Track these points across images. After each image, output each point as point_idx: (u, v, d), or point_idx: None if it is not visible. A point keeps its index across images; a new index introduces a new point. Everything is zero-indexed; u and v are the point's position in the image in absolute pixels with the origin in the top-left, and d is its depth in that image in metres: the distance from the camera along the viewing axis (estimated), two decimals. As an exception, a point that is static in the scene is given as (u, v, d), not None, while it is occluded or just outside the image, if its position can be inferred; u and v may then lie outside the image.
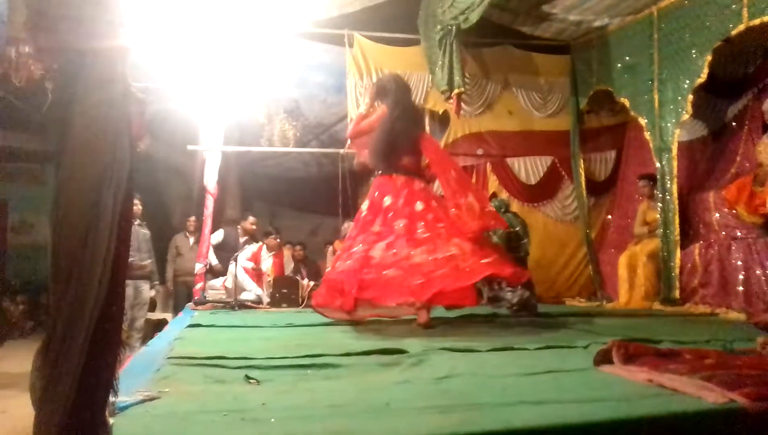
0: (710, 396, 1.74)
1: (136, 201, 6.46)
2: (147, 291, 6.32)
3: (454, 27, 6.10)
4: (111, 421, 1.35)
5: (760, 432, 1.62)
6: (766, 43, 5.43)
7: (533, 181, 7.21)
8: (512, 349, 2.88)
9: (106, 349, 1.32)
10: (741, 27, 4.82)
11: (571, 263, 7.11)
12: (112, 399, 1.42)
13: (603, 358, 2.36)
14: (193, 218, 7.05)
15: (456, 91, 6.27)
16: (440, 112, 7.15)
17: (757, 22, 4.68)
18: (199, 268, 6.09)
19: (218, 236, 6.80)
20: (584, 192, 6.99)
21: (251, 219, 6.86)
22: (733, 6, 4.89)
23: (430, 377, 2.25)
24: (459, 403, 1.85)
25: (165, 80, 6.09)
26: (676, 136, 5.57)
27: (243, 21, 6.01)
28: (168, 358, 2.67)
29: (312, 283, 6.30)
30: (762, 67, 5.67)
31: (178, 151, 7.08)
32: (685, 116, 5.45)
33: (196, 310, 5.45)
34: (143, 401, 1.83)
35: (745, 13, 4.77)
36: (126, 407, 1.73)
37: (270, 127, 7.39)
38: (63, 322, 1.23)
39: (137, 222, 6.34)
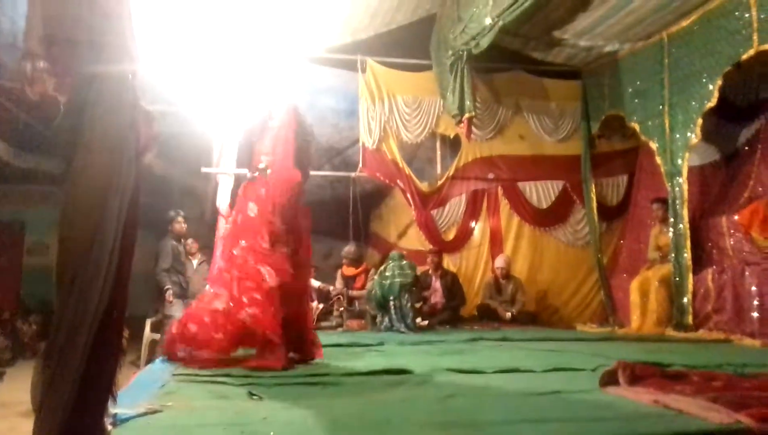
0: (716, 417, 1.71)
1: (180, 219, 6.53)
2: None
3: (465, 52, 6.18)
4: (110, 428, 1.36)
5: (766, 452, 1.59)
6: (777, 68, 5.43)
7: (545, 206, 7.20)
8: (518, 370, 2.86)
9: (107, 355, 1.34)
10: (751, 51, 4.82)
11: (582, 288, 7.05)
12: (112, 409, 1.43)
13: (609, 380, 2.33)
14: (191, 240, 7.04)
15: (467, 115, 6.33)
16: (451, 137, 7.21)
17: (767, 46, 4.69)
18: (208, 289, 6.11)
19: None
20: (596, 217, 6.95)
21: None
22: (744, 31, 4.90)
23: (434, 396, 2.24)
24: (461, 420, 1.84)
25: (180, 103, 6.22)
26: (686, 160, 5.54)
27: (257, 46, 6.15)
28: (173, 374, 2.68)
29: (321, 306, 6.30)
30: (774, 92, 5.67)
31: (192, 173, 7.17)
32: (695, 140, 5.43)
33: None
34: (145, 414, 1.84)
35: (755, 37, 4.78)
36: (127, 419, 1.74)
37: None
38: (66, 328, 1.25)
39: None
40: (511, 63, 7.08)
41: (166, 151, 7.24)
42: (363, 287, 6.51)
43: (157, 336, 6.10)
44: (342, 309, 6.33)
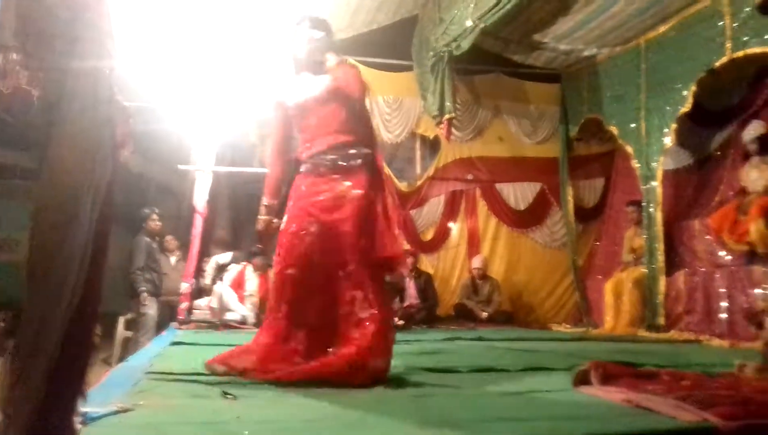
0: (684, 415, 1.75)
1: (155, 217, 6.46)
2: None
3: (446, 54, 6.21)
4: (79, 427, 1.34)
5: (732, 450, 1.63)
6: (749, 75, 5.55)
7: (522, 207, 7.27)
8: (493, 370, 2.88)
9: (78, 353, 1.31)
10: (724, 59, 4.93)
11: (558, 289, 7.14)
12: (81, 408, 1.41)
13: (581, 379, 2.36)
14: (170, 237, 6.99)
15: (447, 116, 6.36)
16: (431, 137, 7.24)
17: (740, 54, 4.79)
18: (185, 287, 6.06)
19: (226, 258, 6.78)
20: (572, 218, 7.04)
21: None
22: (717, 39, 5.00)
23: (409, 395, 2.25)
24: (436, 419, 1.84)
25: (157, 100, 6.14)
26: (661, 164, 5.65)
27: (237, 44, 6.10)
28: (147, 373, 2.64)
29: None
30: (746, 99, 5.78)
31: (169, 170, 7.09)
32: (669, 145, 5.54)
33: (180, 329, 5.41)
34: (116, 412, 1.81)
35: (728, 45, 4.89)
36: (98, 418, 1.72)
37: (262, 148, 7.42)
38: (35, 325, 1.23)
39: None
40: (491, 65, 7.13)
41: (143, 148, 7.16)
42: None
43: (130, 334, 6.03)
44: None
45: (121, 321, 6.04)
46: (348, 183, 2.66)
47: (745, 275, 4.78)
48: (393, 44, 6.78)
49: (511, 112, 7.31)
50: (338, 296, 2.58)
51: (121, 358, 5.19)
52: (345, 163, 2.69)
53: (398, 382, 2.54)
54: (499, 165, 7.30)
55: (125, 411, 1.85)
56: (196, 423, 1.74)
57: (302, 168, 2.78)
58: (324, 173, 2.69)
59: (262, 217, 2.91)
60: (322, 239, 2.62)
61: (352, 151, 2.72)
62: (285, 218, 2.76)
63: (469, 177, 7.26)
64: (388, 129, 6.95)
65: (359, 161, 2.71)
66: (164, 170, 7.40)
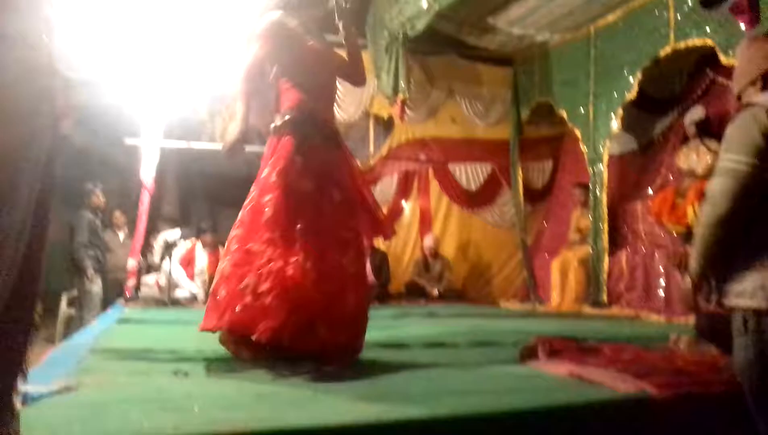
0: (623, 386, 1.84)
1: (98, 192, 6.22)
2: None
3: (401, 34, 6.17)
4: (19, 407, 1.29)
5: (665, 416, 1.73)
6: (691, 65, 5.76)
7: (473, 188, 7.38)
8: (444, 345, 2.94)
9: (17, 330, 1.27)
10: (668, 49, 5.09)
11: (507, 267, 7.31)
12: (22, 387, 1.36)
13: (528, 354, 2.44)
14: (118, 213, 6.79)
15: (400, 96, 6.34)
16: (385, 117, 7.22)
17: (682, 45, 4.97)
18: (131, 264, 5.90)
19: (174, 234, 6.61)
20: (521, 199, 7.19)
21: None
22: (662, 29, 5.16)
23: (361, 370, 2.27)
24: (386, 393, 1.87)
25: (103, 71, 5.88)
26: (607, 148, 5.83)
27: (186, 14, 5.89)
28: (91, 351, 2.58)
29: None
30: (687, 88, 6.01)
31: (115, 144, 6.84)
32: (616, 130, 5.72)
33: (127, 306, 5.28)
34: (58, 392, 1.76)
35: (672, 36, 5.05)
36: (39, 397, 1.67)
37: (212, 125, 7.24)
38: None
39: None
40: (445, 47, 7.14)
41: (86, 120, 6.86)
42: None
43: (74, 312, 5.84)
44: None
45: (64, 298, 5.85)
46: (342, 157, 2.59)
47: (683, 255, 5.01)
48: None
49: (464, 93, 7.36)
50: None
51: (65, 337, 5.03)
52: (335, 139, 2.61)
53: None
54: (452, 146, 7.36)
55: (68, 390, 1.80)
56: (143, 400, 1.71)
57: (293, 127, 2.49)
58: (319, 144, 2.51)
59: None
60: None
61: (335, 128, 2.67)
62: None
63: (422, 157, 7.30)
64: (342, 108, 6.88)
65: (340, 138, 2.66)
66: (110, 144, 7.11)
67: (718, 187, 1.64)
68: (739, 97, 1.85)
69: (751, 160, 1.60)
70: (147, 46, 5.84)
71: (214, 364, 2.36)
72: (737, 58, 1.93)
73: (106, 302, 5.95)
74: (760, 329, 1.67)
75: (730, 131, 1.70)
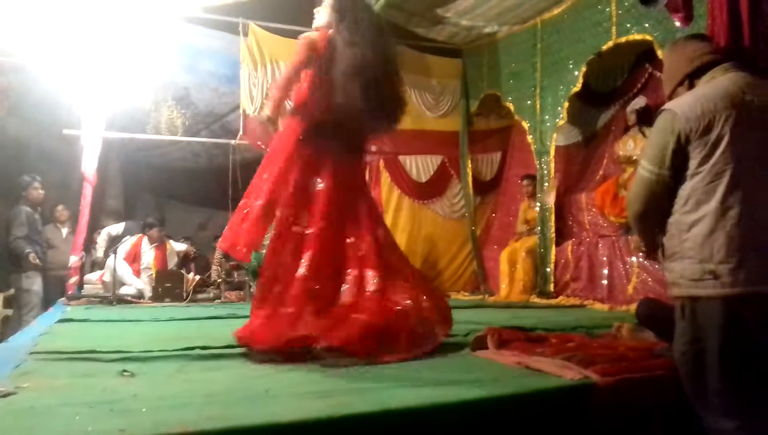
0: (568, 374, 1.91)
1: (36, 185, 5.94)
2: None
3: (350, 23, 6.13)
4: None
5: (609, 402, 1.80)
6: (631, 59, 5.97)
7: (424, 179, 7.43)
8: (396, 338, 2.95)
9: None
10: (610, 43, 5.26)
11: (457, 259, 7.41)
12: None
13: (479, 344, 2.49)
14: (61, 207, 6.51)
15: (350, 87, 6.31)
16: (335, 108, 7.17)
17: (623, 39, 5.14)
18: (74, 260, 5.69)
19: (119, 229, 6.39)
20: (471, 191, 7.30)
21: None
22: (604, 24, 5.33)
23: (313, 365, 2.27)
24: (339, 389, 1.88)
25: (40, 57, 5.61)
26: (554, 140, 5.99)
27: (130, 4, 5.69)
28: (31, 353, 2.47)
29: (198, 278, 6.09)
30: (628, 81, 6.22)
31: (53, 135, 6.54)
32: (561, 122, 5.88)
33: (69, 305, 5.08)
34: (-4, 397, 1.69)
35: (613, 30, 5.22)
36: (-25, 404, 1.59)
37: (157, 115, 7.02)
38: None
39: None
40: (395, 37, 7.12)
41: (22, 109, 6.53)
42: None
43: (11, 312, 5.59)
44: (220, 280, 6.17)
45: (0, 298, 5.58)
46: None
47: (624, 244, 5.21)
48: (296, 10, 6.59)
49: (413, 85, 7.37)
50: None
51: (1, 339, 4.80)
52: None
53: (303, 352, 2.55)
54: (402, 137, 7.34)
55: (6, 395, 1.73)
56: (87, 403, 1.65)
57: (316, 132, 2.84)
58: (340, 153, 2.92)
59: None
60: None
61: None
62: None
63: (373, 148, 7.27)
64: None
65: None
66: (49, 135, 6.80)
67: (633, 191, 1.93)
68: (670, 98, 1.96)
69: (656, 170, 1.83)
70: (86, 31, 5.61)
71: (161, 364, 2.31)
72: (664, 62, 2.05)
73: (47, 301, 5.71)
74: (694, 316, 1.77)
75: (650, 135, 1.91)
